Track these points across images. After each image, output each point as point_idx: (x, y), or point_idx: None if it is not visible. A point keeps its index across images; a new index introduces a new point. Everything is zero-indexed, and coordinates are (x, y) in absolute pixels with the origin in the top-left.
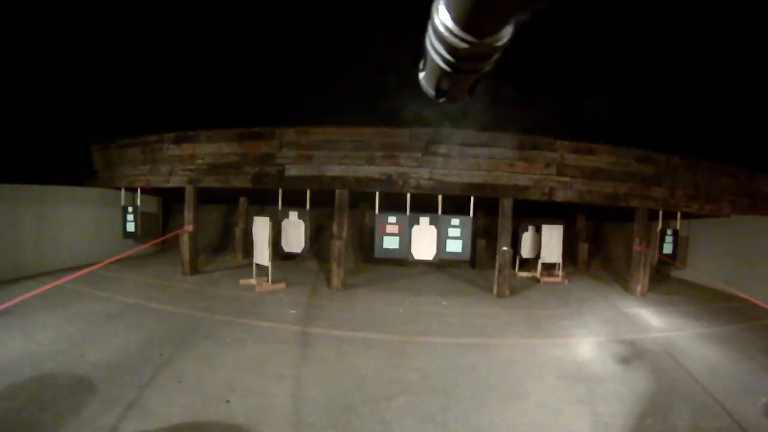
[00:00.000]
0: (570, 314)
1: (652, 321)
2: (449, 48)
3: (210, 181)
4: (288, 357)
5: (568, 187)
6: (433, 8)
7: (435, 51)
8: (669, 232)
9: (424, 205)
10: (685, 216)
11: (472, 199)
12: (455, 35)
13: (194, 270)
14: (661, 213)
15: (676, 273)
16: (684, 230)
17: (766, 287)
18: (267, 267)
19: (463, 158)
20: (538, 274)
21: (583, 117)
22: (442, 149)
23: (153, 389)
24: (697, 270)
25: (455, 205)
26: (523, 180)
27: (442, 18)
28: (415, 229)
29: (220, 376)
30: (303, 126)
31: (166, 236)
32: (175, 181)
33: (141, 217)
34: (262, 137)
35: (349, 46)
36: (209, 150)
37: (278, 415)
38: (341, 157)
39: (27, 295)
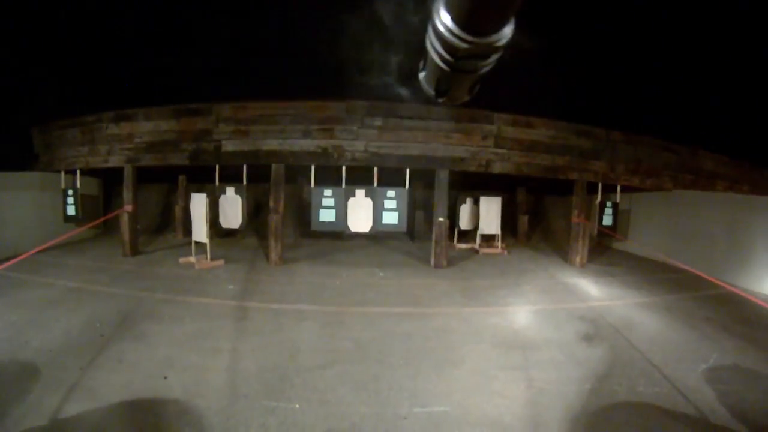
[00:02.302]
0: (508, 284)
1: (591, 291)
2: (449, 48)
3: (148, 160)
4: (225, 331)
5: (506, 159)
6: (433, 8)
7: (434, 51)
8: (608, 204)
9: (362, 177)
10: (625, 190)
11: (408, 170)
12: (455, 35)
13: (135, 251)
14: (600, 186)
15: (617, 245)
16: (625, 204)
17: (706, 259)
18: (206, 244)
19: (399, 130)
20: (477, 245)
21: (523, 90)
22: (378, 122)
23: (94, 370)
24: (638, 242)
25: (394, 178)
26: (459, 152)
27: (442, 18)
28: (352, 201)
29: (159, 353)
30: (240, 101)
31: (106, 217)
32: (113, 161)
33: (81, 200)
34: (199, 113)
35: (285, 20)
36: (147, 128)
37: (214, 388)
38: (277, 131)
39: None
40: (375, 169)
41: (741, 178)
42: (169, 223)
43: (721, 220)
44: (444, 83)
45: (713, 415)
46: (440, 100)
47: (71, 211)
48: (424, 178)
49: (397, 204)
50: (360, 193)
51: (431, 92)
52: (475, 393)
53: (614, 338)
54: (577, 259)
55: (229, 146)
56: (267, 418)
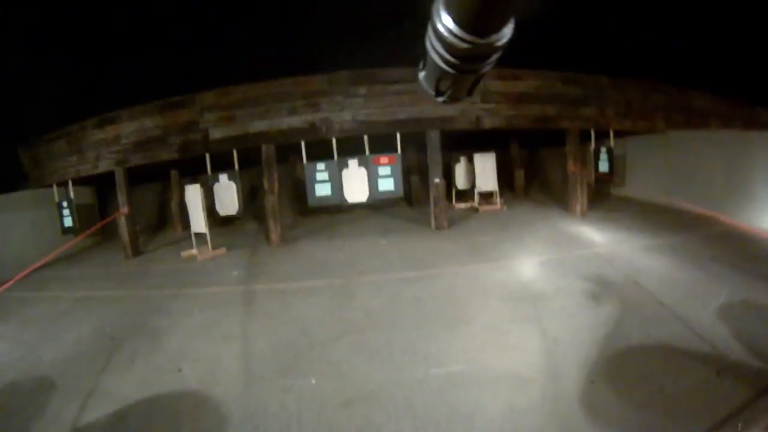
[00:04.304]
0: (511, 238)
1: (595, 237)
2: (449, 48)
3: (137, 159)
4: (234, 317)
5: (495, 113)
6: (434, 8)
7: (435, 51)
8: (603, 150)
9: (353, 147)
10: (619, 135)
11: (398, 135)
12: (455, 35)
13: (136, 252)
14: (593, 133)
15: (616, 192)
16: (620, 149)
17: (704, 198)
18: (205, 234)
19: (385, 96)
20: (476, 203)
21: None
22: (363, 90)
23: (108, 374)
24: (636, 187)
25: (385, 144)
26: (448, 111)
27: (443, 18)
28: (345, 172)
29: (171, 347)
30: (221, 87)
31: (103, 222)
32: (103, 166)
33: (77, 210)
34: (183, 105)
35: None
36: (132, 128)
37: (229, 374)
38: (263, 112)
39: None
40: (365, 137)
41: (733, 115)
42: (167, 220)
43: (717, 158)
44: (444, 83)
45: (730, 352)
46: (440, 100)
47: (68, 222)
48: (416, 143)
49: (392, 170)
50: (353, 163)
51: (431, 92)
52: (489, 349)
53: (623, 282)
54: (578, 208)
55: (216, 133)
56: (284, 396)
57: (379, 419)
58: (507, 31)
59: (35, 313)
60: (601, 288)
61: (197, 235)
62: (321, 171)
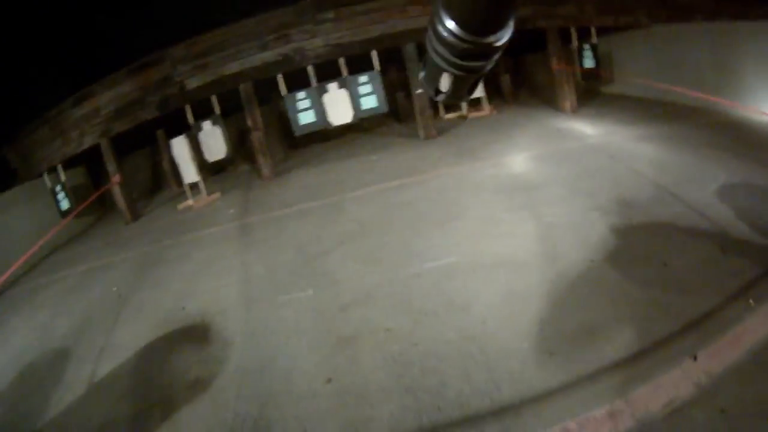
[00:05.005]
0: (501, 139)
1: (587, 130)
2: (450, 48)
3: (120, 125)
4: (231, 251)
5: None
6: (433, 8)
7: (435, 51)
8: (586, 47)
9: (332, 72)
10: (602, 33)
11: (374, 53)
12: (455, 35)
13: (135, 216)
14: (574, 32)
15: (606, 89)
16: (605, 47)
17: (697, 88)
18: (199, 183)
19: (354, 17)
20: (464, 111)
21: None
22: (331, 14)
23: (118, 328)
24: (626, 83)
25: (364, 64)
26: (420, 22)
27: (443, 18)
28: (326, 96)
29: (174, 290)
30: (188, 39)
31: (98, 193)
32: (88, 141)
33: (72, 192)
34: (154, 63)
35: None
36: (109, 97)
37: (230, 302)
38: (234, 54)
39: None
40: (341, 60)
41: (720, 10)
42: (162, 180)
43: (706, 49)
44: (443, 84)
45: (733, 231)
46: (439, 99)
47: (64, 205)
48: (396, 59)
49: (373, 87)
50: (332, 86)
51: (431, 92)
52: (483, 238)
53: (617, 168)
54: (567, 105)
55: (192, 83)
56: (283, 311)
57: (377, 317)
58: (508, 30)
59: (45, 295)
60: (596, 174)
61: (191, 185)
62: (302, 99)
